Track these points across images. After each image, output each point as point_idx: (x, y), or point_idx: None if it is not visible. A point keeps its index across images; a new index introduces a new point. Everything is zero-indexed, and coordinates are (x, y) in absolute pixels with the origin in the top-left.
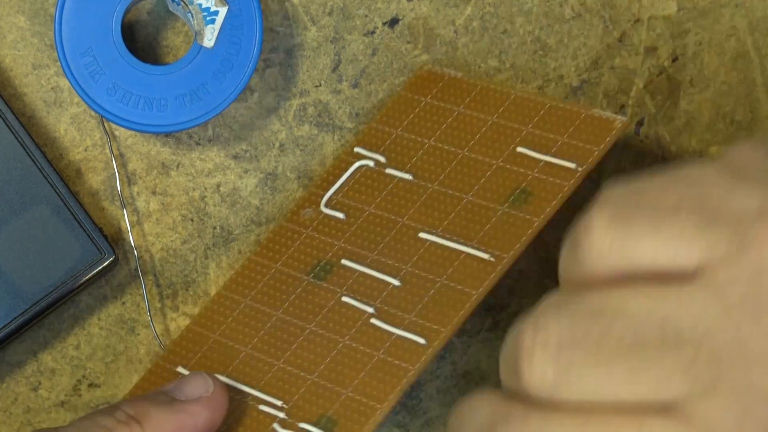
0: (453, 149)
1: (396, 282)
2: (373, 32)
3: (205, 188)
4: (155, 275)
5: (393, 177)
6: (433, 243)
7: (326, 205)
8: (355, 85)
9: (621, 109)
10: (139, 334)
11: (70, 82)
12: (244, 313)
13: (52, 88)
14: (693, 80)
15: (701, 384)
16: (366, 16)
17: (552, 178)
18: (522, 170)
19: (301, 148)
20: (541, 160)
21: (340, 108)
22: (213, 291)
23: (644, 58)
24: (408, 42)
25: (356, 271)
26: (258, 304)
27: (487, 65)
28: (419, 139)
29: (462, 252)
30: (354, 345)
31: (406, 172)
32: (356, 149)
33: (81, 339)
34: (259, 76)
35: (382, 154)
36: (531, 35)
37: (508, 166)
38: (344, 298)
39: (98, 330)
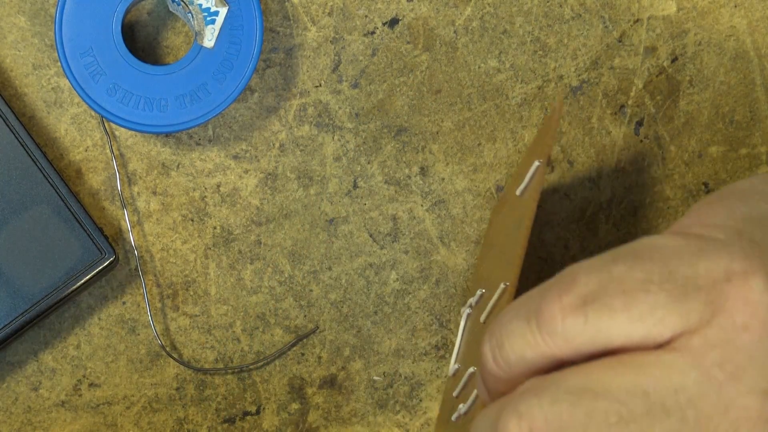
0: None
1: None
2: (373, 32)
3: (205, 188)
4: (155, 275)
5: None
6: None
7: None
8: (355, 85)
9: (621, 109)
10: (139, 334)
11: (70, 83)
12: None
13: (52, 89)
14: (692, 80)
15: None
16: (366, 16)
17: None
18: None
19: (301, 148)
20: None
21: (340, 108)
22: (213, 291)
23: (644, 58)
24: (408, 42)
25: None
26: None
27: (487, 65)
28: None
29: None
30: None
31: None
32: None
33: (81, 339)
34: (259, 76)
35: None
36: (531, 35)
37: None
38: None
39: (98, 330)
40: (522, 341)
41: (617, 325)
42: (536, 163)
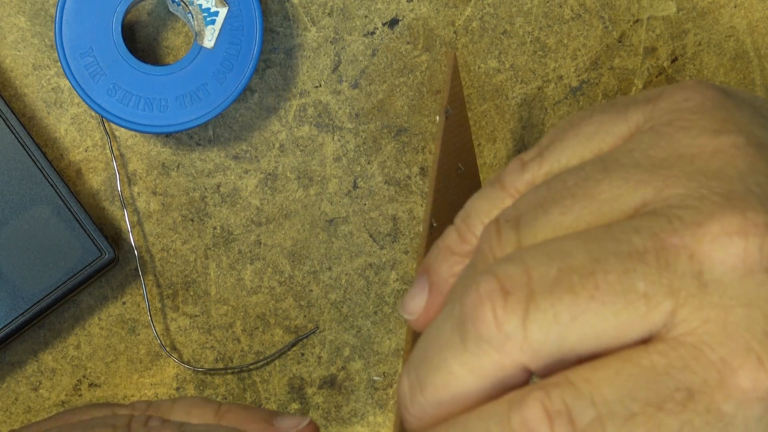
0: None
1: None
2: (373, 33)
3: (206, 188)
4: (155, 275)
5: None
6: None
7: None
8: (355, 86)
9: None
10: (139, 334)
11: (70, 83)
12: None
13: (52, 89)
14: None
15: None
16: (366, 16)
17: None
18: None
19: (301, 149)
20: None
21: (340, 108)
22: (213, 291)
23: (643, 59)
24: (408, 42)
25: None
26: None
27: (486, 65)
28: None
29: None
30: None
31: None
32: None
33: (81, 339)
34: (259, 76)
35: None
36: (531, 36)
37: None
38: None
39: (98, 330)
40: (488, 203)
41: (570, 152)
42: (437, 118)
